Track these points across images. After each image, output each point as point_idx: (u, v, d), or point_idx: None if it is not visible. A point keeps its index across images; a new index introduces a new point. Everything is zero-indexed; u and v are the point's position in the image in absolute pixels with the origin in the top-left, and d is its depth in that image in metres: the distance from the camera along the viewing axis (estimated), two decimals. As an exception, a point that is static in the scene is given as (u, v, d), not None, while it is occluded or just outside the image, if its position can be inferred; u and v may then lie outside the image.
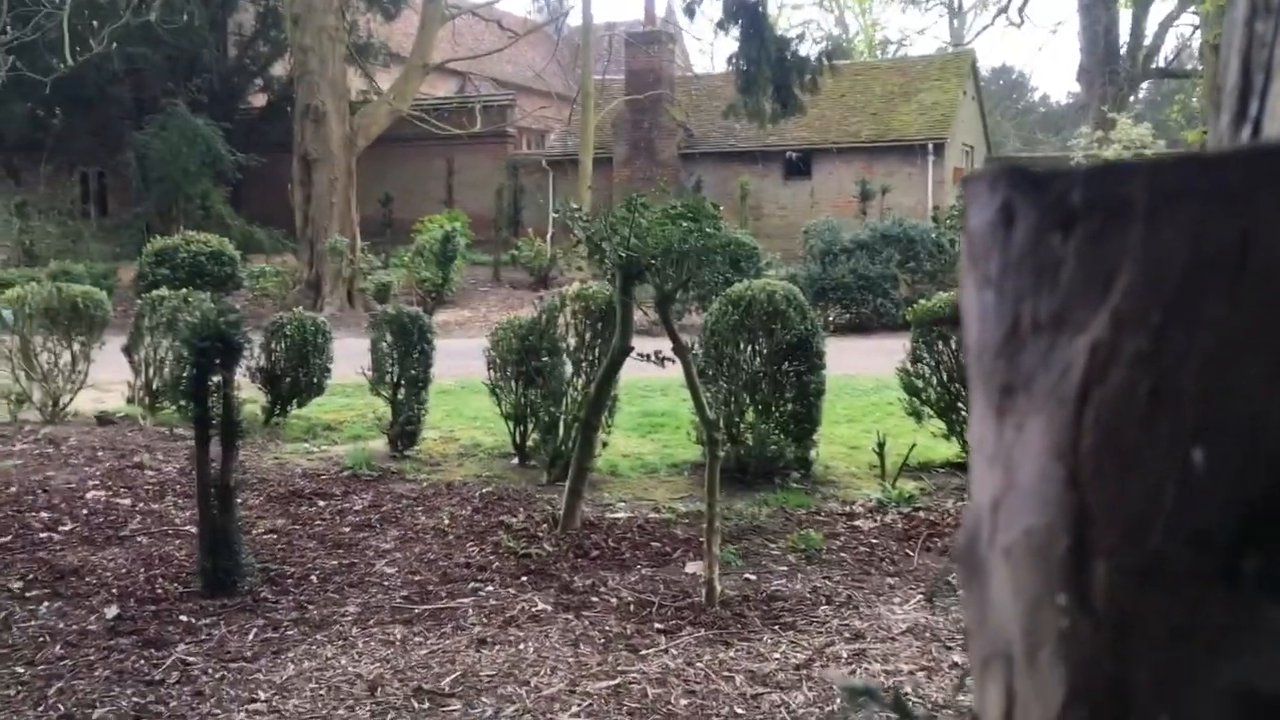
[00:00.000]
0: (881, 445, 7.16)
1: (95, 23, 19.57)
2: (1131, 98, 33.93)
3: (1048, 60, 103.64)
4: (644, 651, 4.35)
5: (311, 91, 19.66)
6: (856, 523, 6.25)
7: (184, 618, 4.72)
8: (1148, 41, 34.10)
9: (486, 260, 23.78)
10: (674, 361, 5.36)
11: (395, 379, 7.85)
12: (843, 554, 5.69)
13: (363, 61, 25.97)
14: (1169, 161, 0.41)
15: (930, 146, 26.09)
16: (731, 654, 4.33)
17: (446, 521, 6.21)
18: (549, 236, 24.47)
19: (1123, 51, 31.83)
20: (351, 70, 23.00)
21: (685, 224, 5.21)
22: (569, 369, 7.27)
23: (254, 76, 30.11)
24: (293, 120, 20.94)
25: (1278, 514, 0.38)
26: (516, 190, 27.52)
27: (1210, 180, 0.40)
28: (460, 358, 10.37)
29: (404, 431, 7.83)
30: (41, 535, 5.93)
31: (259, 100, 30.26)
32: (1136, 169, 0.41)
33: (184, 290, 9.99)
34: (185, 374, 5.23)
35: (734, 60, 16.29)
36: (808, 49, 16.71)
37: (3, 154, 28.10)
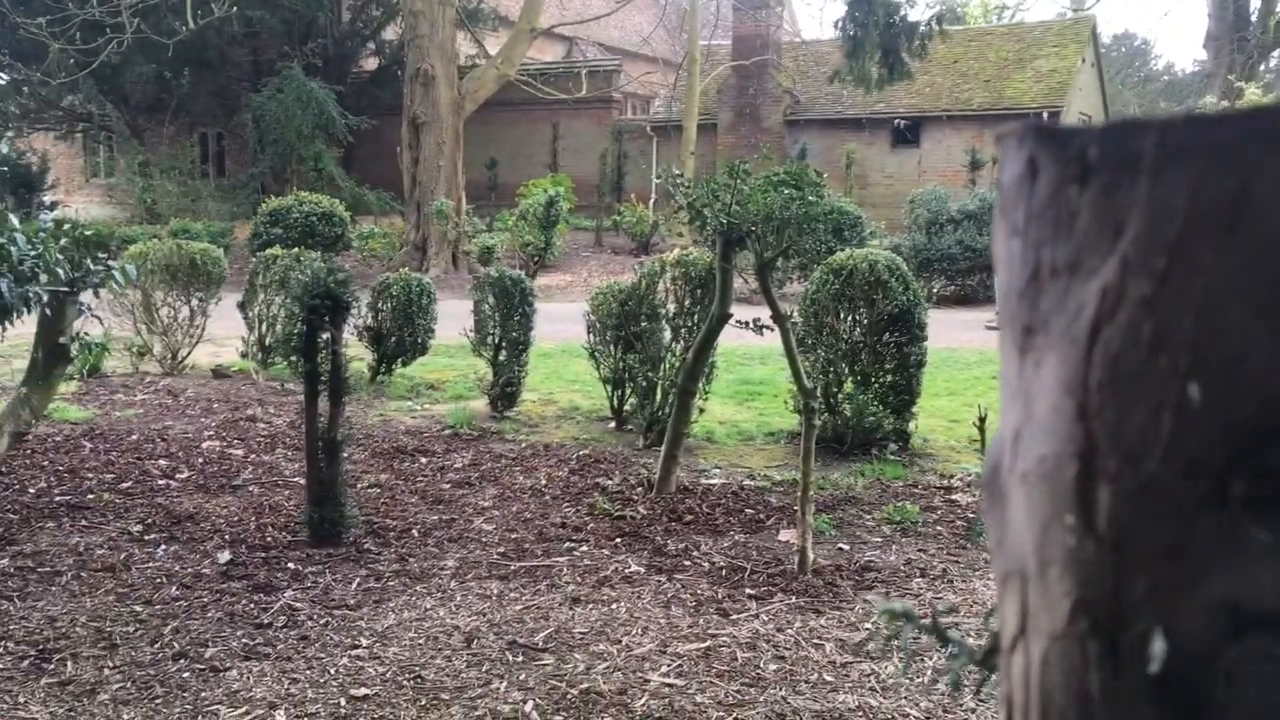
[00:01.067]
0: (983, 419, 7.02)
1: (216, -14, 20.09)
2: (1261, 66, 32.43)
3: (1173, 27, 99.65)
4: (735, 616, 4.39)
5: (421, 55, 19.92)
6: (954, 496, 6.18)
7: (291, 565, 4.90)
8: (1281, 7, 32.56)
9: (589, 225, 23.91)
10: (773, 329, 5.36)
11: (497, 341, 7.98)
12: (939, 527, 5.64)
13: (472, 26, 26.19)
14: (1177, 119, 0.43)
15: (1046, 116, 25.34)
16: (823, 622, 4.34)
17: (543, 482, 6.32)
18: (651, 202, 24.49)
19: (1253, 18, 30.42)
20: (461, 35, 23.24)
21: (787, 191, 5.19)
22: (667, 335, 7.31)
23: (366, 40, 30.57)
24: (403, 84, 21.27)
25: (1262, 443, 0.41)
26: (620, 156, 27.53)
27: (1211, 137, 0.42)
28: (561, 321, 10.49)
29: (504, 393, 7.97)
30: (160, 482, 6.20)
31: (370, 64, 30.74)
32: (1148, 126, 0.44)
33: (296, 250, 10.29)
34: (296, 330, 5.39)
35: (841, 24, 16.03)
36: (918, 13, 16.37)
37: (128, 114, 29.11)
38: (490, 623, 4.28)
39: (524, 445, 7.21)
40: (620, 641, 4.12)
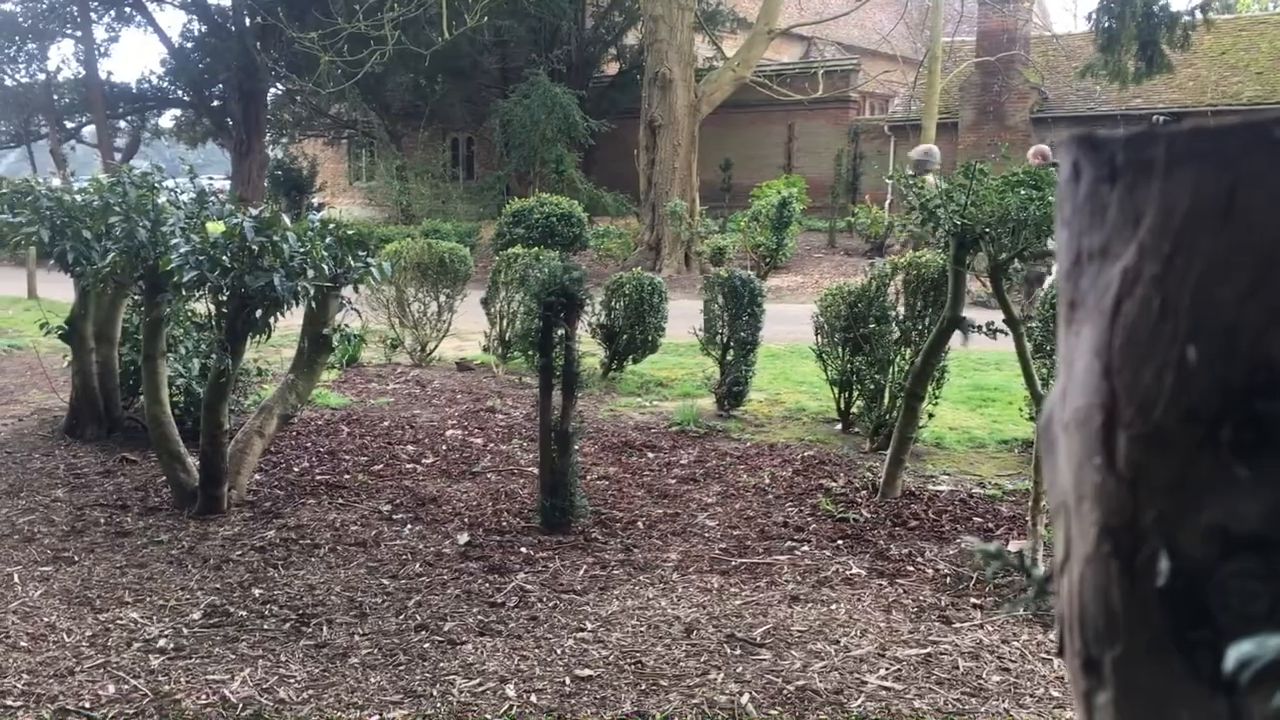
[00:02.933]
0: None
1: (470, -1, 21.15)
2: None
3: None
4: (958, 624, 4.31)
5: (660, 59, 20.29)
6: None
7: (524, 549, 5.15)
8: None
9: (822, 226, 23.72)
10: (1006, 333, 5.21)
11: (725, 340, 8.08)
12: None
13: (710, 29, 26.45)
14: (1182, 131, 0.52)
15: (1325, 108, 23.25)
16: (1051, 636, 4.20)
17: (767, 481, 6.37)
18: (887, 203, 24.05)
19: None
20: (699, 38, 23.51)
21: (1025, 192, 5.03)
22: (896, 337, 7.21)
23: (608, 46, 31.40)
24: (641, 87, 21.73)
25: (1247, 396, 0.49)
26: (856, 156, 27.17)
27: (1209, 146, 0.51)
28: (790, 323, 10.49)
29: (731, 391, 8.06)
30: (408, 466, 6.62)
31: (611, 69, 31.55)
32: (1159, 137, 0.53)
33: (536, 249, 10.72)
34: (533, 326, 5.65)
35: (1095, 16, 15.26)
36: (1181, 2, 15.39)
37: (388, 121, 31.02)
38: (710, 615, 4.37)
39: (749, 444, 7.27)
40: (838, 642, 4.12)
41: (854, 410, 7.53)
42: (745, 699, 3.65)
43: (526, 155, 26.60)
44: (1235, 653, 0.48)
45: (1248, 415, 0.49)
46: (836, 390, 7.61)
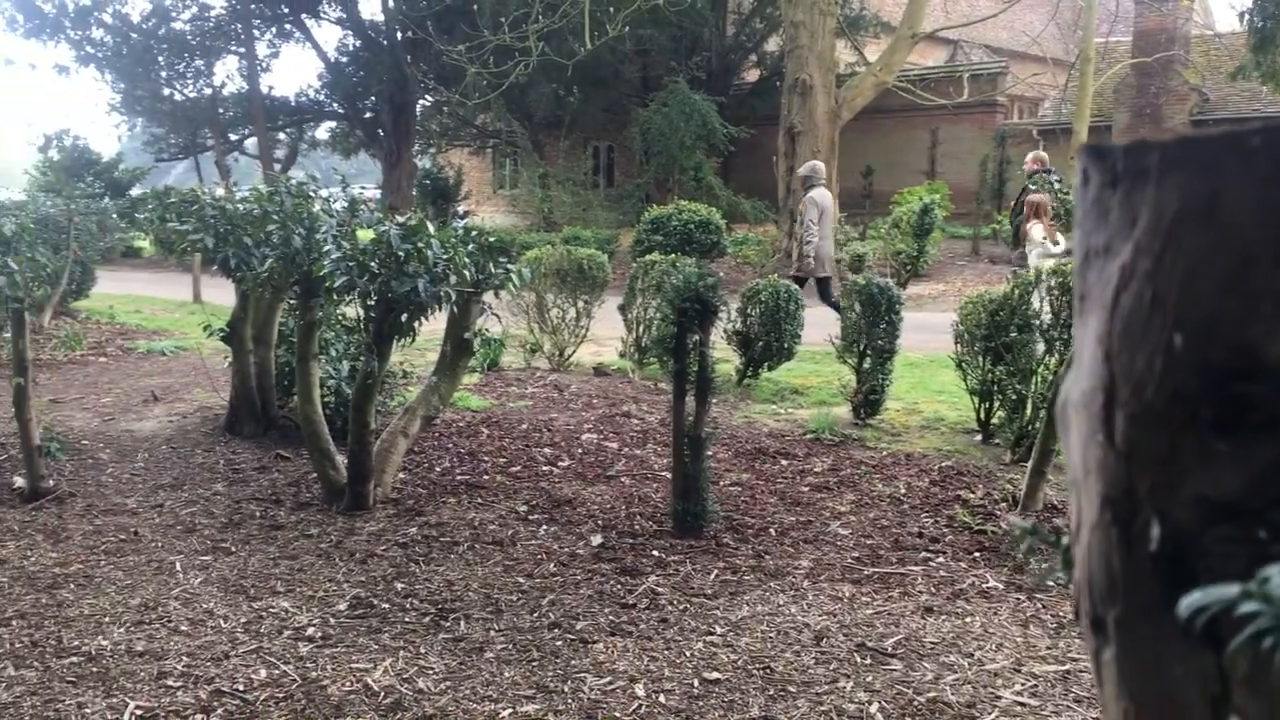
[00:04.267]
0: None
1: (612, 8, 21.43)
2: None
3: None
4: (1097, 643, 4.18)
5: (800, 65, 20.19)
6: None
7: (655, 552, 5.21)
8: None
9: (965, 233, 23.20)
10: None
11: (862, 348, 8.00)
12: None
13: (852, 34, 26.18)
14: (1173, 140, 0.56)
15: None
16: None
17: (903, 490, 6.29)
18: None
19: None
20: (841, 43, 23.29)
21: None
22: (1040, 347, 7.02)
23: (748, 53, 31.38)
24: (781, 94, 21.64)
25: (1226, 378, 0.53)
26: (1002, 161, 26.49)
27: (1195, 153, 0.55)
28: (930, 331, 10.32)
29: (867, 400, 7.97)
30: (544, 468, 6.76)
31: (751, 75, 31.50)
32: (1153, 146, 0.57)
33: (673, 255, 10.80)
34: (667, 332, 5.70)
35: (1247, 15, 14.55)
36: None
37: (531, 130, 31.64)
38: (840, 624, 4.35)
39: (885, 453, 7.19)
40: (972, 655, 4.06)
41: (994, 421, 7.37)
42: (874, 708, 3.62)
43: (665, 163, 26.78)
44: (1186, 601, 0.53)
45: (1226, 396, 0.53)
46: (976, 400, 7.46)
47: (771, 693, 3.74)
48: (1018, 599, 4.65)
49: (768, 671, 3.91)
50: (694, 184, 26.14)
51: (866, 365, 7.98)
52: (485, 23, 21.17)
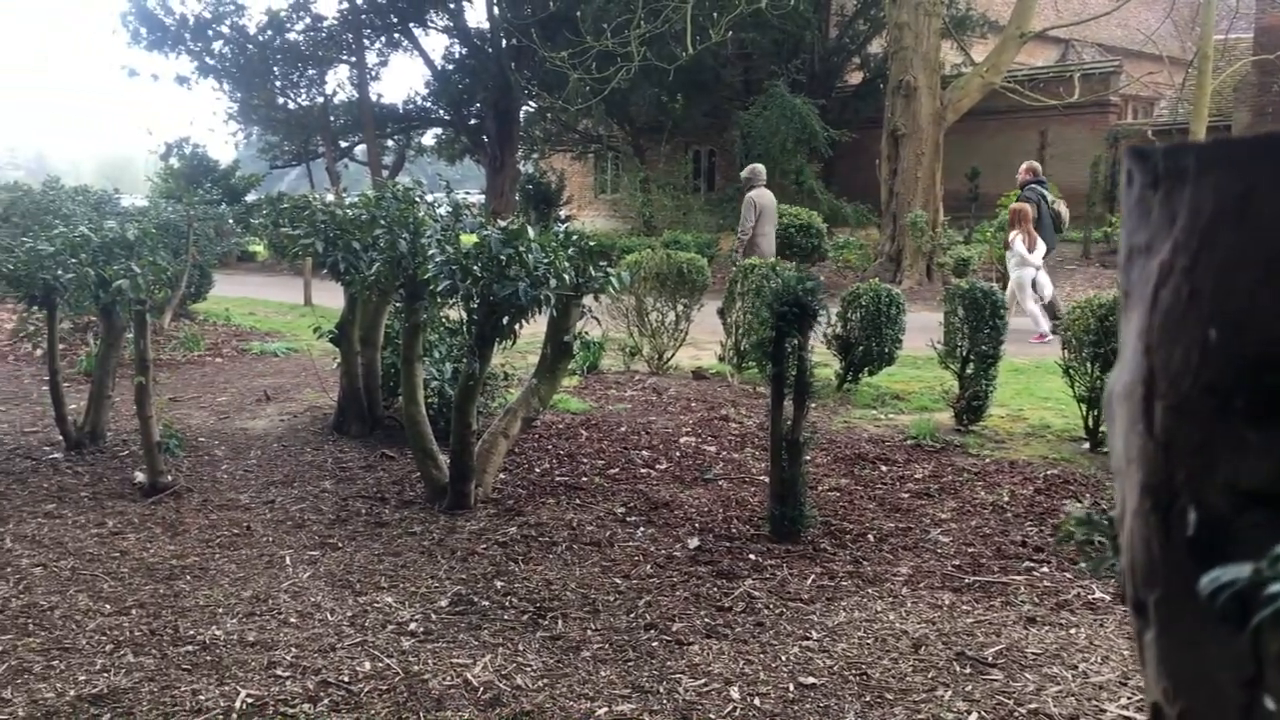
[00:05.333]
0: None
1: (715, 13, 21.43)
2: None
3: None
4: (1209, 658, 4.06)
5: (904, 67, 19.93)
6: None
7: (752, 556, 5.21)
8: None
9: (1076, 237, 22.61)
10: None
11: (964, 353, 7.88)
12: None
13: (958, 35, 25.74)
14: (1209, 143, 0.58)
15: None
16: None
17: (1006, 499, 6.18)
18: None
19: None
20: (946, 44, 22.92)
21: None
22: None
23: (851, 55, 31.06)
24: (884, 96, 21.38)
25: (1258, 370, 0.55)
26: (1115, 163, 25.75)
27: (1229, 155, 0.57)
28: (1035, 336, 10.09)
29: (970, 406, 7.84)
30: (642, 470, 6.81)
31: (854, 78, 31.19)
32: (1190, 149, 0.59)
33: (772, 259, 10.75)
34: (766, 336, 5.69)
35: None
36: None
37: (632, 135, 31.83)
38: (939, 632, 4.29)
39: (988, 460, 7.06)
40: (1076, 667, 3.97)
41: (1103, 429, 7.18)
42: (973, 718, 3.57)
43: (766, 166, 26.63)
44: (1206, 578, 0.55)
45: (1258, 387, 0.55)
46: (1084, 407, 7.28)
47: (868, 699, 3.71)
48: (1125, 611, 4.53)
49: (864, 678, 3.88)
50: (795, 187, 25.96)
51: (969, 371, 7.85)
52: (588, 29, 21.35)
